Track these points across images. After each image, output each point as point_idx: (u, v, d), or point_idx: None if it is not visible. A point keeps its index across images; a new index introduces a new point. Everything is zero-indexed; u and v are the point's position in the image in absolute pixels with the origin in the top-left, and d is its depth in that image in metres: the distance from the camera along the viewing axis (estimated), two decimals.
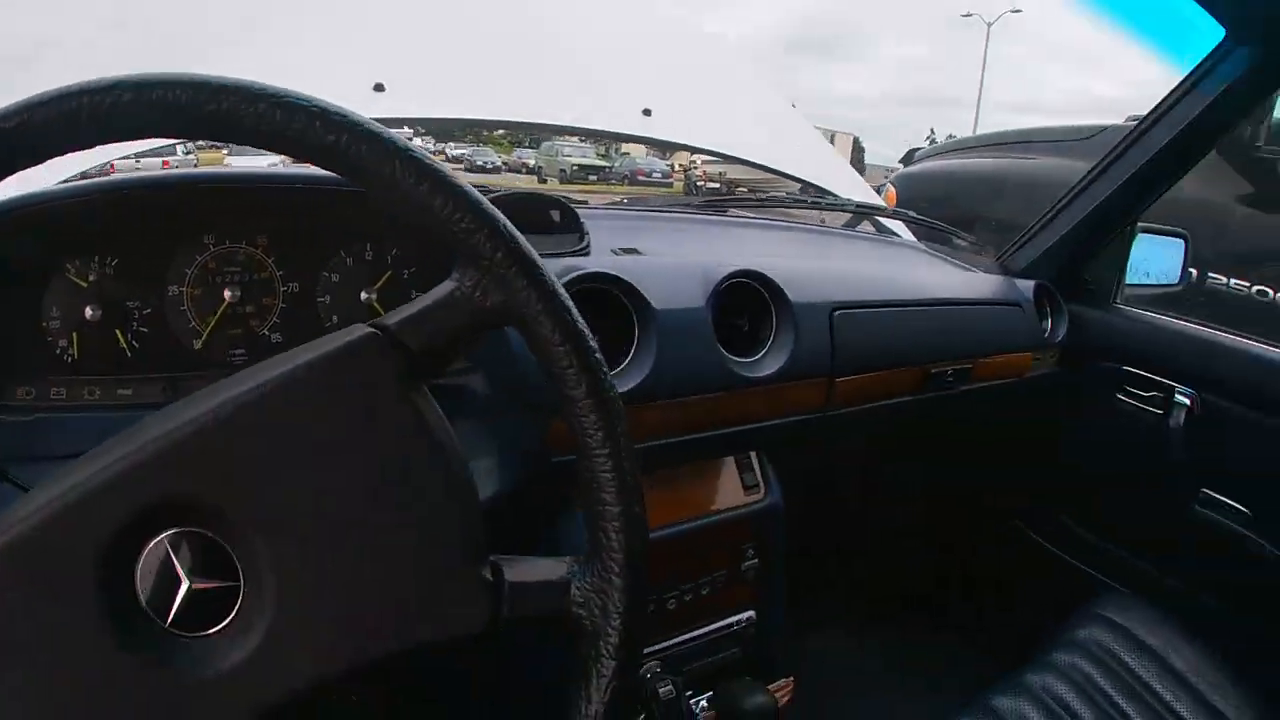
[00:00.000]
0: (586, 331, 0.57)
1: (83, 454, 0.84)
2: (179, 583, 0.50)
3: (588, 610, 0.57)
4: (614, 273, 1.10)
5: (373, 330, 0.54)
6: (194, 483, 0.50)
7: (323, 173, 0.94)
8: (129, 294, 0.98)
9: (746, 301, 1.26)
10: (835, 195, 1.95)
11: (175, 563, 0.50)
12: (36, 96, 0.47)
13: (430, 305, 0.56)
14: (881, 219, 2.10)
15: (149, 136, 0.50)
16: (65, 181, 0.99)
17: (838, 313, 1.33)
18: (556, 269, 1.09)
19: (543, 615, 0.57)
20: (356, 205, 1.03)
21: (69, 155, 0.49)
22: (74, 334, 0.96)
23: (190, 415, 0.51)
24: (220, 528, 0.50)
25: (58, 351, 0.96)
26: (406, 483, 0.53)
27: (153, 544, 0.49)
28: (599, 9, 2.18)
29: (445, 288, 0.56)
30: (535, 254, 0.56)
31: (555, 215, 1.20)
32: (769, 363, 1.24)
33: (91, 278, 0.97)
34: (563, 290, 0.57)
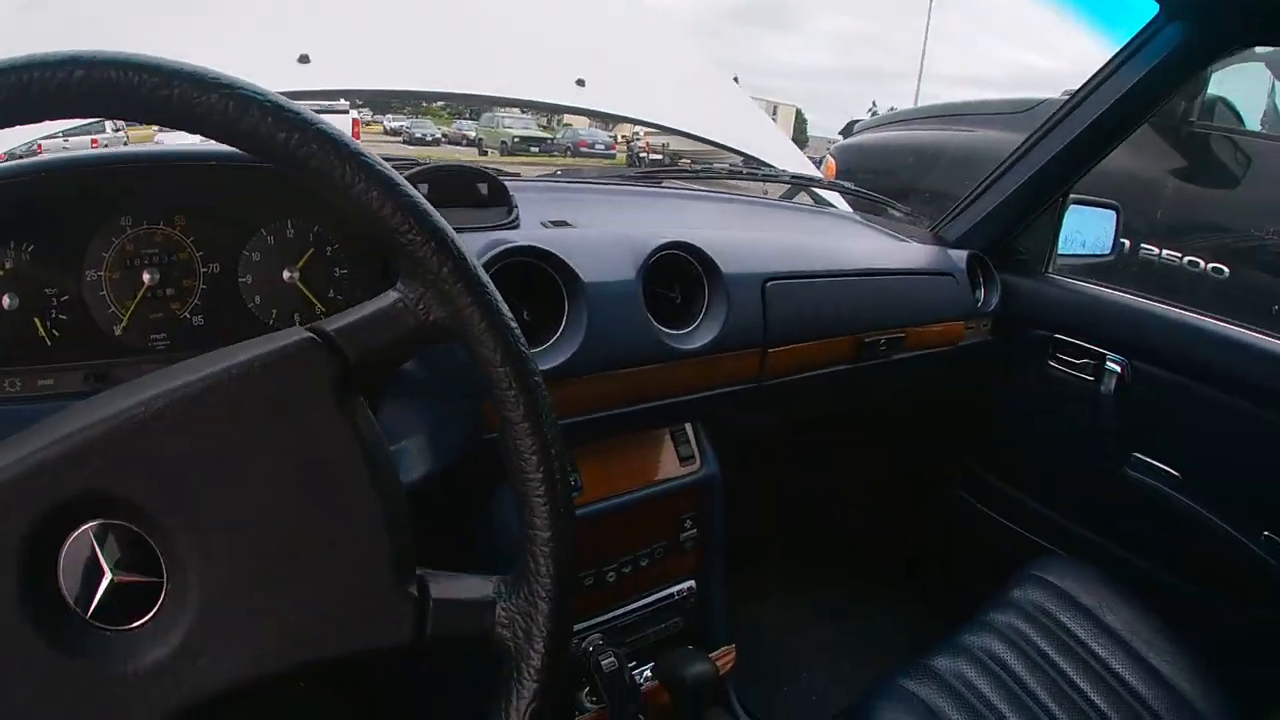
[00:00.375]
0: (528, 353, 0.57)
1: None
2: (102, 575, 0.49)
3: (511, 631, 0.57)
4: (542, 246, 1.09)
5: (311, 335, 0.54)
6: (120, 477, 0.49)
7: (224, 151, 0.91)
8: (47, 280, 0.95)
9: (678, 274, 1.26)
10: (772, 167, 1.96)
11: (99, 554, 0.49)
12: None
13: (371, 315, 0.56)
14: (818, 190, 2.11)
15: (96, 115, 0.49)
16: None
17: (770, 283, 1.33)
18: (483, 243, 1.09)
19: (466, 634, 0.57)
20: (276, 183, 1.02)
21: None
22: None
23: (119, 407, 0.50)
24: (145, 523, 0.50)
25: None
26: (336, 492, 0.53)
27: (77, 534, 0.49)
28: None
29: (388, 299, 0.56)
30: (482, 271, 0.56)
31: (483, 189, 1.19)
32: (701, 334, 1.24)
33: (8, 265, 0.93)
34: (507, 311, 0.57)
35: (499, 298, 0.57)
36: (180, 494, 0.50)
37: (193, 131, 0.50)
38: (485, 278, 0.56)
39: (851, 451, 2.18)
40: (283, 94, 0.52)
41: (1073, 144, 1.71)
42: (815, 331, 1.41)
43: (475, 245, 1.09)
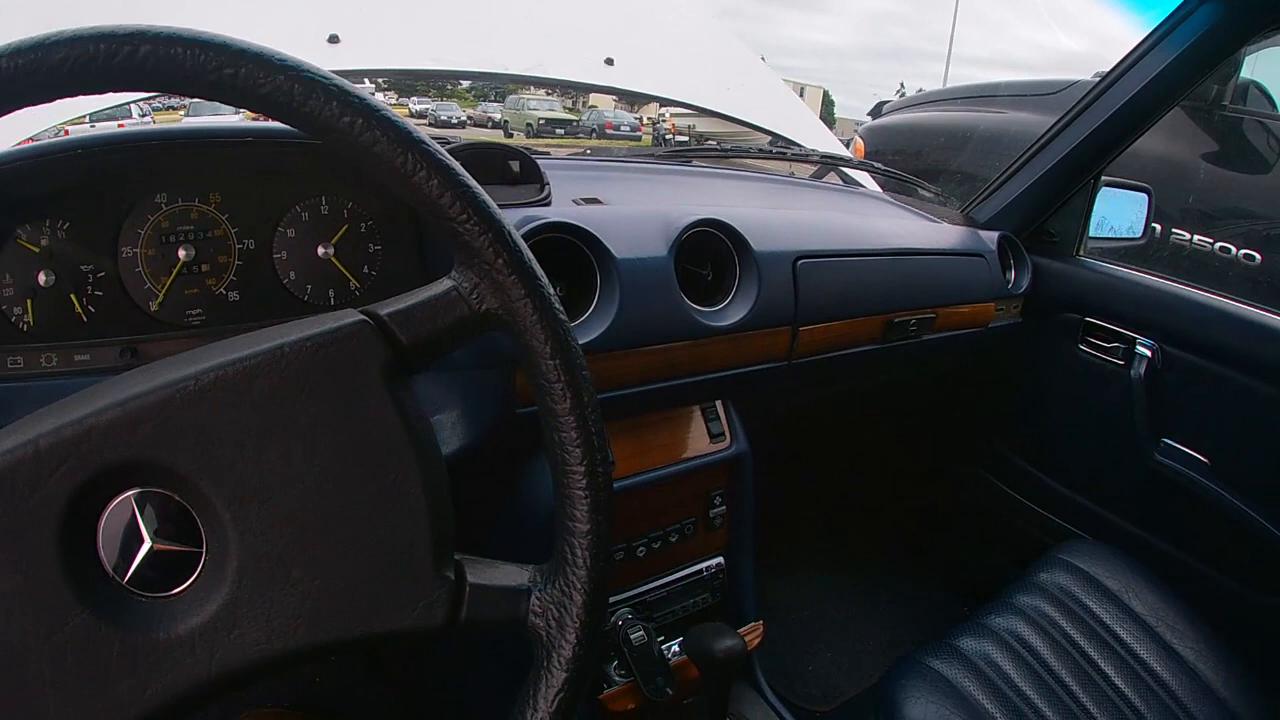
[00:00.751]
0: (578, 347, 0.58)
1: None
2: (141, 542, 0.49)
3: (544, 620, 0.58)
4: (575, 222, 1.09)
5: (364, 318, 0.54)
6: (168, 446, 0.49)
7: (275, 125, 0.92)
8: (82, 257, 0.97)
9: (710, 251, 1.26)
10: (801, 146, 1.95)
11: (140, 521, 0.49)
12: (50, 35, 0.46)
13: (425, 301, 0.56)
14: (847, 170, 2.10)
15: (157, 91, 0.49)
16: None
17: (801, 261, 1.33)
18: (516, 219, 1.09)
19: (500, 620, 0.58)
20: (310, 160, 1.03)
21: (15, 115, 0.48)
22: (28, 301, 0.95)
23: (171, 377, 0.50)
24: (188, 494, 0.50)
25: (13, 320, 0.94)
26: (380, 473, 0.53)
27: (118, 500, 0.49)
28: None
29: (442, 285, 0.57)
30: (536, 265, 0.57)
31: (515, 166, 1.18)
32: (732, 312, 1.24)
33: (44, 242, 0.95)
34: (559, 304, 0.57)
35: (551, 291, 0.57)
36: (226, 466, 0.50)
37: (255, 110, 0.51)
38: (539, 271, 0.57)
39: (878, 431, 2.17)
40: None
41: (1104, 126, 1.69)
42: (845, 311, 1.40)
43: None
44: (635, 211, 1.23)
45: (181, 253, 0.99)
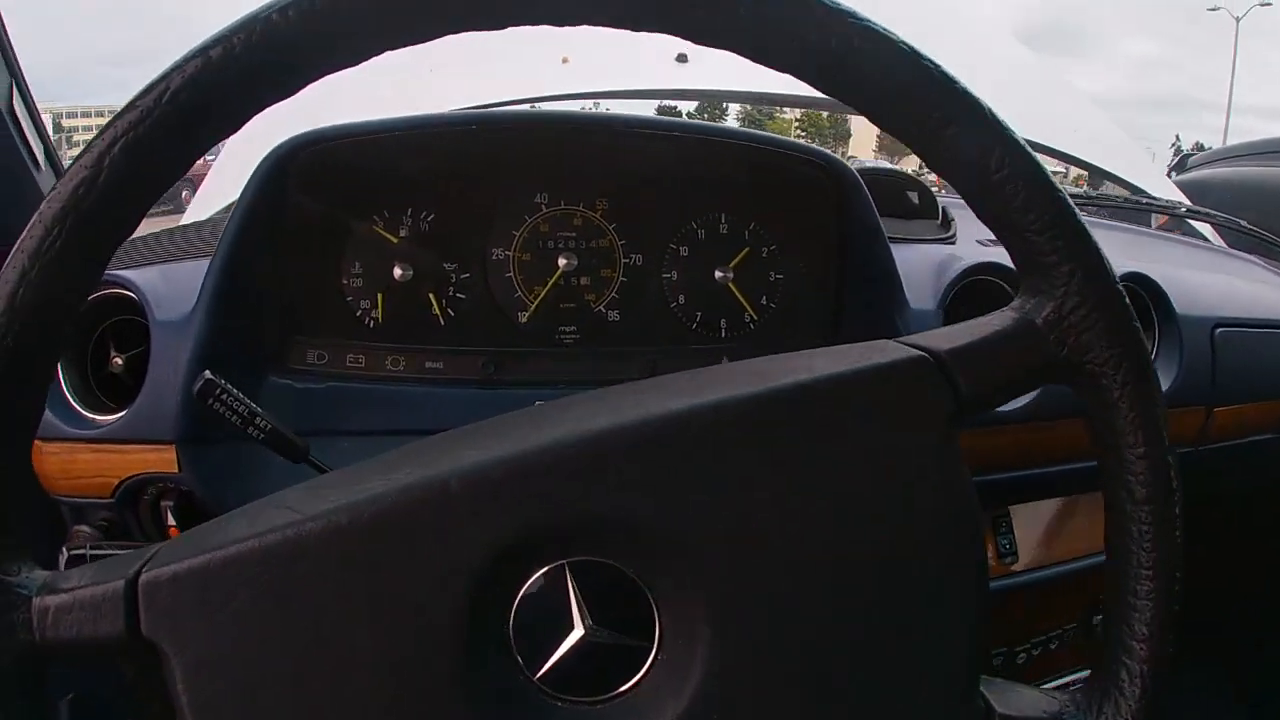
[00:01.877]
0: (1165, 440, 0.42)
1: (386, 431, 0.75)
2: (569, 628, 0.38)
3: None
4: (996, 261, 0.93)
5: (922, 354, 0.42)
6: (628, 503, 0.38)
7: (679, 121, 0.80)
8: (446, 255, 0.89)
9: None
10: (1150, 194, 1.72)
11: (574, 600, 0.38)
12: None
13: (992, 337, 0.43)
14: (1195, 223, 1.84)
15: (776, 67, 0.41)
16: None
17: (1220, 330, 1.13)
18: (936, 257, 0.95)
19: None
20: (714, 170, 0.92)
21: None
22: (379, 295, 0.88)
23: (636, 413, 0.39)
24: (648, 567, 0.39)
25: (358, 314, 0.88)
26: (920, 560, 0.41)
27: (547, 569, 0.38)
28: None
29: (1007, 318, 0.44)
30: (1130, 307, 0.43)
31: (913, 197, 1.06)
32: None
33: (403, 233, 0.88)
34: (1154, 371, 0.43)
35: (1148, 351, 0.43)
36: (713, 534, 0.38)
37: (842, 95, 0.41)
38: (1135, 319, 0.43)
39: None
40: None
41: None
42: (1271, 390, 1.18)
43: (929, 261, 0.95)
44: None
45: (561, 262, 0.90)
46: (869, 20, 0.39)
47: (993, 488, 1.01)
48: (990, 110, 0.40)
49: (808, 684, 0.39)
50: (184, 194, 2.33)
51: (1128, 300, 0.42)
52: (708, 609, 0.38)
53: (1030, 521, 1.12)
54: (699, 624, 0.38)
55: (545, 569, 0.38)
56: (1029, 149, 0.41)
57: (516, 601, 0.38)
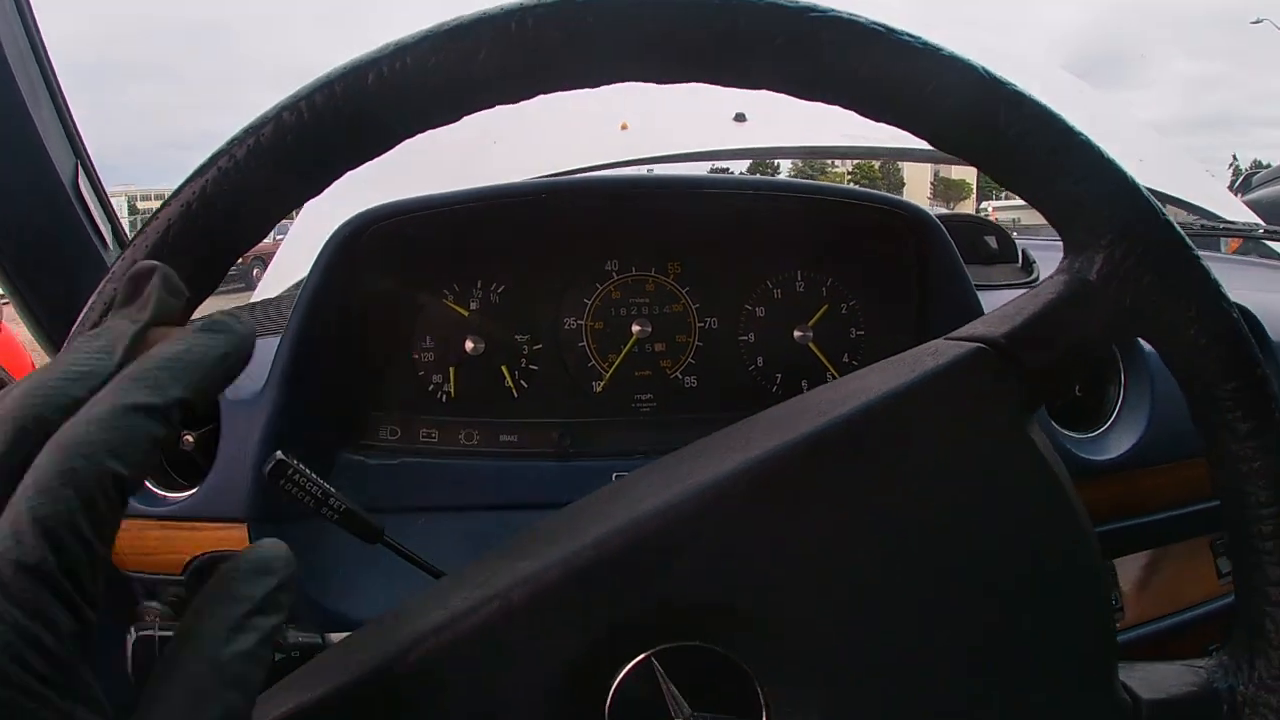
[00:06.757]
0: (1259, 357, 0.38)
1: (461, 507, 0.77)
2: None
3: None
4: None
5: (979, 346, 0.39)
6: (713, 578, 0.36)
7: (747, 179, 0.77)
8: (518, 326, 0.88)
9: None
10: (1223, 218, 1.64)
11: (666, 690, 0.36)
12: None
13: (1046, 308, 0.39)
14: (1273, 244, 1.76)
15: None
16: None
17: None
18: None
19: None
20: (785, 226, 0.90)
21: None
22: (451, 370, 0.87)
23: (702, 478, 0.36)
24: (743, 643, 0.36)
25: (430, 388, 0.87)
26: (1035, 568, 0.38)
27: (635, 662, 0.36)
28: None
29: (1058, 283, 0.39)
30: (1184, 238, 0.38)
31: (991, 241, 1.02)
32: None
33: (473, 306, 0.87)
34: (1227, 295, 0.38)
35: (1216, 277, 0.38)
36: (800, 594, 0.36)
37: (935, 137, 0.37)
38: (1196, 250, 0.38)
39: None
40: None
41: None
42: None
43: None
44: None
45: (635, 329, 0.88)
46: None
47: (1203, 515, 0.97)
48: (984, 67, 0.37)
49: (942, 708, 0.37)
50: (255, 271, 2.37)
51: (1180, 231, 0.38)
52: (814, 675, 0.36)
53: (1135, 574, 1.06)
54: (807, 692, 0.36)
55: (630, 664, 0.36)
56: (1037, 100, 0.37)
57: (608, 705, 0.36)
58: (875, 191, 0.93)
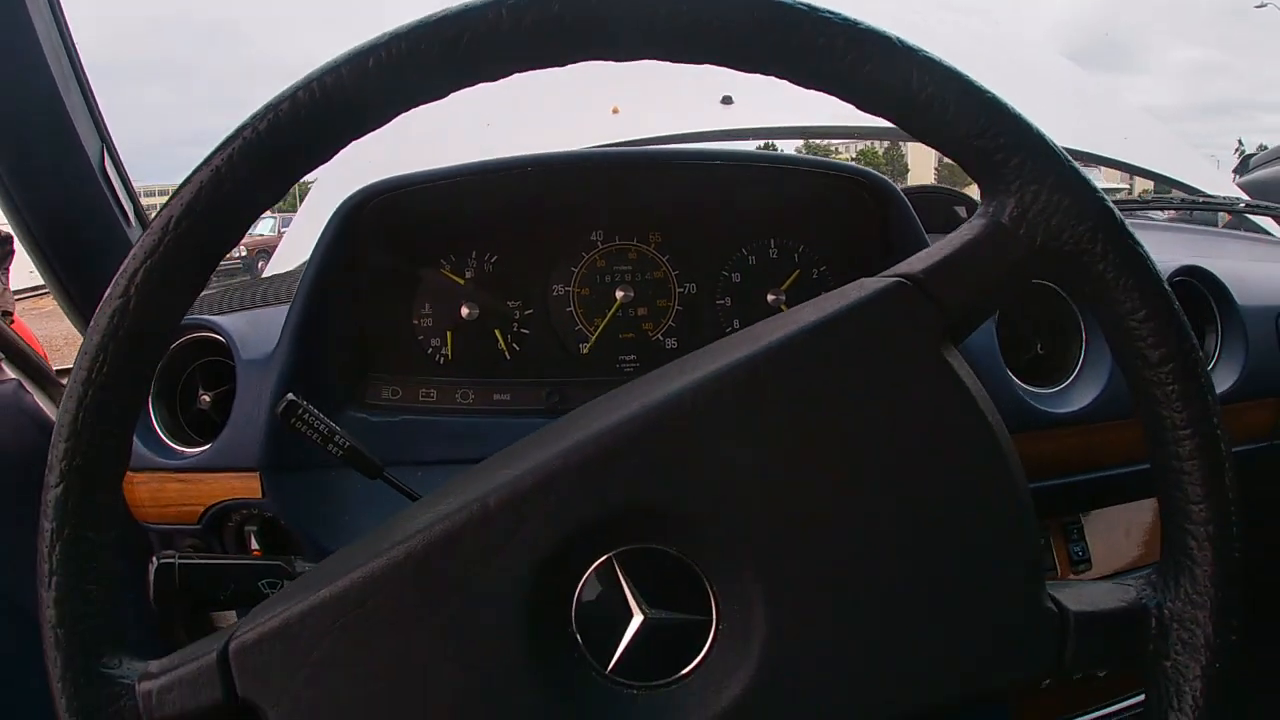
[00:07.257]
0: (1168, 289, 0.41)
1: (457, 460, 0.75)
2: (629, 615, 0.40)
3: (1166, 644, 0.42)
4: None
5: (899, 280, 0.42)
6: (659, 485, 0.40)
7: (722, 150, 0.82)
8: (509, 293, 0.93)
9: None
10: (1210, 195, 1.69)
11: (627, 588, 0.40)
12: None
13: (962, 248, 0.42)
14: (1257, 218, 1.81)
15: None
16: None
17: None
18: None
19: (1114, 657, 0.43)
20: (758, 196, 0.94)
21: None
22: (448, 334, 0.92)
23: (645, 401, 0.40)
24: (690, 543, 0.40)
25: (429, 351, 0.92)
26: (949, 476, 0.41)
27: (598, 564, 0.40)
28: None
29: (975, 226, 0.43)
30: (1094, 183, 0.41)
31: (961, 211, 1.06)
32: (1218, 379, 1.03)
33: (468, 275, 0.92)
34: (1133, 234, 0.41)
35: (1124, 219, 0.41)
36: (740, 497, 0.40)
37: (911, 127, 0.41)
38: (1101, 192, 0.41)
39: None
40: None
41: None
42: None
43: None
44: None
45: (619, 294, 0.93)
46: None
47: (1061, 494, 1.01)
48: (899, 37, 0.40)
49: (870, 618, 0.40)
50: (260, 264, 2.42)
51: (1087, 177, 0.41)
52: (754, 570, 0.40)
53: (1102, 528, 1.11)
54: (750, 585, 0.40)
55: (594, 565, 0.40)
56: (947, 63, 0.41)
57: (575, 602, 0.40)
58: (839, 162, 0.97)
